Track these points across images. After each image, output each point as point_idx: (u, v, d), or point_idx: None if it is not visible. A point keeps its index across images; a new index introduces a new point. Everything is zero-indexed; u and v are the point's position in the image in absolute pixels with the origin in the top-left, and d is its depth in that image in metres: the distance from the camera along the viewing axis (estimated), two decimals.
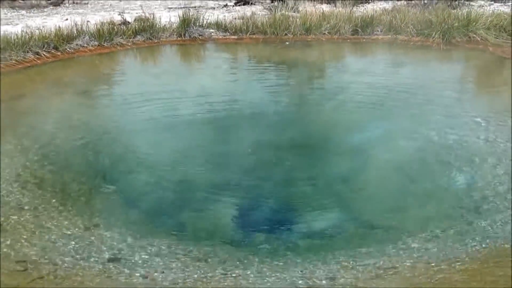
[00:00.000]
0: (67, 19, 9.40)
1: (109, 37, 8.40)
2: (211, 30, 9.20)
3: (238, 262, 3.49)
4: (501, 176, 4.45)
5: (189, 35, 8.93)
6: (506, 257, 3.36)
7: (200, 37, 8.97)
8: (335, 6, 10.55)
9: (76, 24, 8.36)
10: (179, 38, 8.93)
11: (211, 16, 9.62)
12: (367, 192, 4.44)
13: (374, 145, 5.14)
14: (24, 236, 3.64)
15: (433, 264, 3.36)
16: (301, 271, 3.36)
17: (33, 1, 11.11)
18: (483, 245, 3.54)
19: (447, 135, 5.33)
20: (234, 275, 3.33)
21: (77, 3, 11.43)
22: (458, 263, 3.32)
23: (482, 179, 4.45)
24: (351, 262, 3.46)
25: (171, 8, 10.93)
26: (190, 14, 9.15)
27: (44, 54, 7.65)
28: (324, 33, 9.04)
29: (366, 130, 5.52)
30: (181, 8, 10.44)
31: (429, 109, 6.00)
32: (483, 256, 3.42)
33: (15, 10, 10.57)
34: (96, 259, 3.45)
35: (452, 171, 4.65)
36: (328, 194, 4.38)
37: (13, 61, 7.24)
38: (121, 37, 8.52)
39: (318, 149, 5.24)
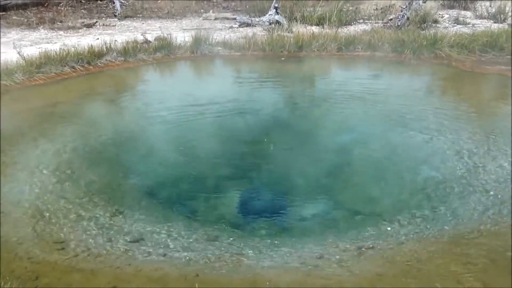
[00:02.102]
0: (98, 39, 9.39)
1: (133, 54, 8.44)
2: (219, 48, 9.18)
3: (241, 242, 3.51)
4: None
5: (200, 52, 8.95)
6: (463, 239, 3.38)
7: (209, 54, 8.99)
8: (323, 27, 10.52)
9: (105, 43, 8.37)
10: (192, 55, 8.94)
11: (218, 36, 9.61)
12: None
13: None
14: (62, 221, 3.64)
15: (405, 243, 3.37)
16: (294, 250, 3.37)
17: (70, 24, 11.11)
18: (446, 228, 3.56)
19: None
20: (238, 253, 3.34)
21: (106, 26, 11.40)
22: (426, 243, 3.34)
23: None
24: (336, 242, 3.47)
25: (185, 29, 10.90)
26: (201, 34, 9.16)
27: (78, 68, 7.67)
28: (314, 50, 9.04)
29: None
30: (193, 29, 10.42)
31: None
32: (447, 237, 3.44)
33: (54, 31, 10.57)
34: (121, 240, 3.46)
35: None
36: None
37: (53, 74, 7.30)
38: (143, 53, 8.56)
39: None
